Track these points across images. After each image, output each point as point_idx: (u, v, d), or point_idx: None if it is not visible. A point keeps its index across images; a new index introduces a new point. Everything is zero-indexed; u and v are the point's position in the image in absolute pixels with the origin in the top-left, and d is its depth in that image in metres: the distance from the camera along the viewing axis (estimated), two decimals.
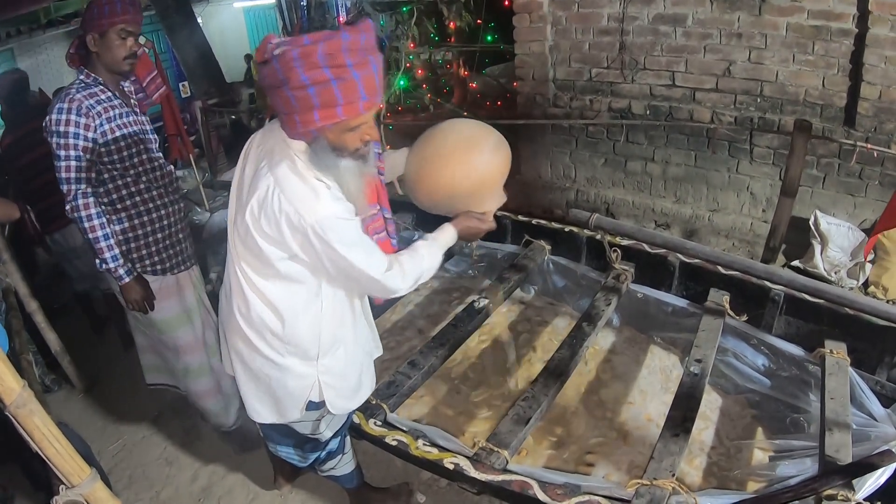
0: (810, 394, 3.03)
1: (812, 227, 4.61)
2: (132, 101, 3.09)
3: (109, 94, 2.91)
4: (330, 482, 2.92)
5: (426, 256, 2.36)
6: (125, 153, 2.94)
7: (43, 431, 1.71)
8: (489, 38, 9.51)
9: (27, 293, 3.97)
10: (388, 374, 3.44)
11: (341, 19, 10.49)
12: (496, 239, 4.24)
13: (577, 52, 5.66)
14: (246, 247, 2.10)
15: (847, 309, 2.94)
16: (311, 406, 2.37)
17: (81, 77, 2.87)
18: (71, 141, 2.76)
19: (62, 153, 2.76)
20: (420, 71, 10.11)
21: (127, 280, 2.97)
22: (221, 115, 8.95)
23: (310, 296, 2.19)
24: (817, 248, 4.53)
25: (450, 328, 3.32)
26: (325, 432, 2.56)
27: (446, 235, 2.49)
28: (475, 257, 4.31)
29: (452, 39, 10.14)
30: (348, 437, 2.75)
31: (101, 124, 2.83)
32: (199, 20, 10.73)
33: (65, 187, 2.80)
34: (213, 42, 10.55)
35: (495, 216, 4.10)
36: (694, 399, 2.68)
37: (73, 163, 2.78)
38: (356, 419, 2.70)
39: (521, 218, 4.23)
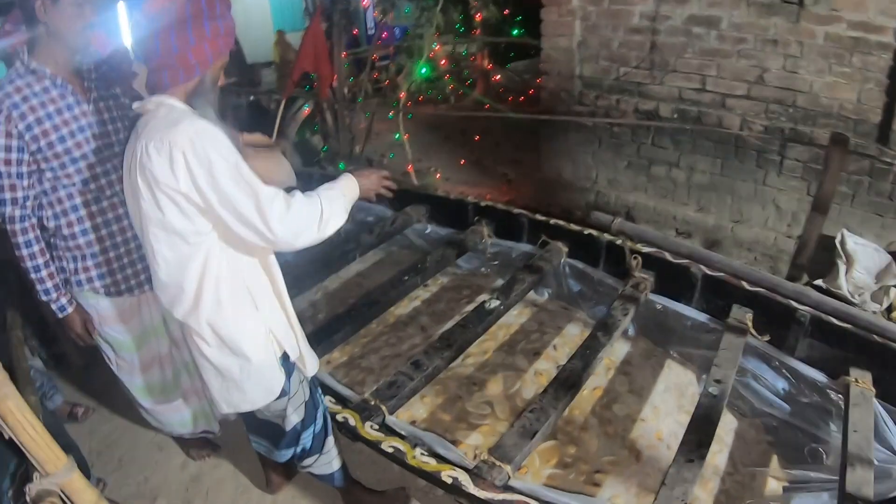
0: (831, 423, 2.87)
1: (838, 246, 4.43)
2: (89, 85, 2.60)
3: (47, 82, 2.45)
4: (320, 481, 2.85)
5: (322, 200, 2.15)
6: (67, 158, 2.51)
7: (17, 416, 1.63)
8: (515, 31, 9.37)
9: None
10: (387, 371, 3.35)
11: (365, 3, 10.41)
12: (511, 237, 4.11)
13: (606, 49, 5.49)
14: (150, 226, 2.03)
15: (875, 336, 2.78)
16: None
17: (17, 64, 2.46)
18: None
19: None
20: (443, 62, 10.01)
21: (62, 315, 2.73)
22: (239, 95, 8.85)
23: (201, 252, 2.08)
24: (842, 268, 4.37)
25: (458, 328, 3.19)
26: (292, 417, 2.47)
27: (346, 182, 2.33)
28: (488, 255, 4.16)
29: (477, 31, 10.06)
30: (330, 438, 2.69)
31: (30, 127, 2.40)
32: None
33: None
34: (236, 24, 10.48)
35: (513, 214, 4.02)
36: (711, 423, 2.52)
37: None
38: (352, 421, 2.56)
39: (538, 217, 4.05)
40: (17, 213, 2.48)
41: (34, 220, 2.55)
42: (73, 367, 4.28)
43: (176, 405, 3.18)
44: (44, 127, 2.43)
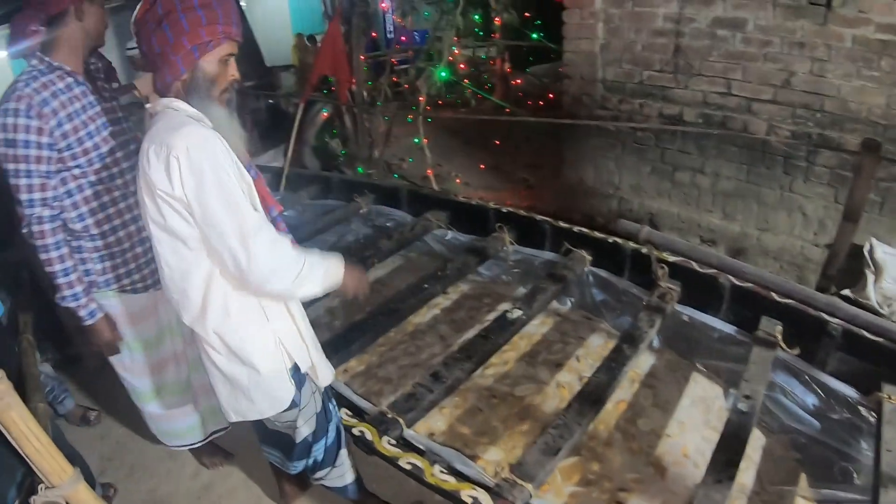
0: (862, 441, 2.76)
1: (867, 256, 4.31)
2: (100, 84, 2.65)
3: (70, 80, 2.44)
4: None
5: (307, 260, 2.09)
6: (94, 154, 2.51)
7: (21, 427, 1.61)
8: (534, 35, 9.31)
9: (43, 270, 3.83)
10: (405, 382, 3.29)
11: (384, 6, 10.40)
12: (534, 245, 4.02)
13: (629, 52, 5.41)
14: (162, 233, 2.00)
15: None
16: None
17: (34, 63, 2.42)
18: (21, 152, 2.32)
19: (11, 167, 2.34)
20: (462, 66, 9.98)
21: (92, 321, 2.62)
22: (258, 98, 8.86)
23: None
24: (870, 277, 4.25)
25: (479, 339, 3.12)
26: (303, 429, 2.43)
27: (334, 264, 2.24)
28: (510, 262, 4.08)
29: (497, 35, 10.03)
30: (343, 451, 2.65)
31: (60, 123, 2.38)
32: (243, 4, 10.75)
33: (19, 210, 2.40)
34: (255, 27, 10.54)
35: (535, 221, 3.95)
36: (740, 441, 2.42)
37: (23, 181, 2.35)
38: (368, 435, 2.49)
39: (561, 224, 3.96)
40: (47, 213, 2.42)
41: (60, 222, 2.50)
42: (89, 370, 4.26)
43: (186, 409, 3.13)
44: (74, 123, 2.42)
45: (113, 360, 2.92)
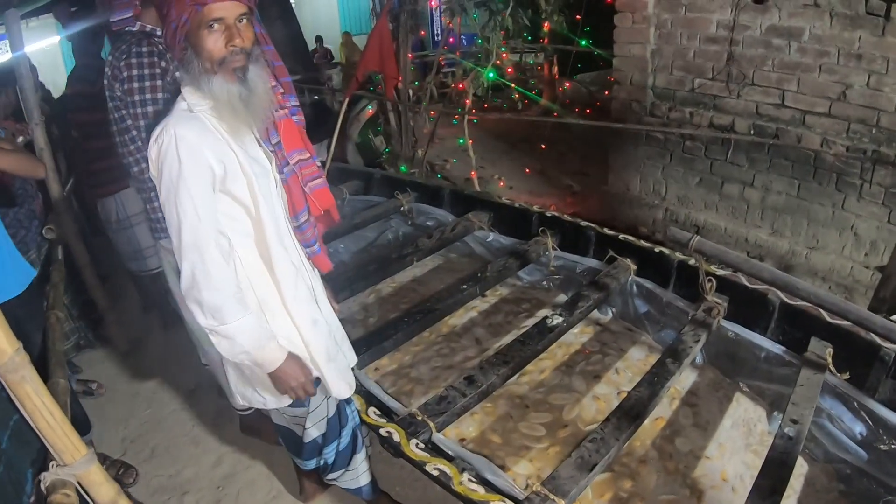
0: None
1: None
2: None
3: (162, 47, 2.52)
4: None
5: (244, 323, 1.94)
6: None
7: (34, 401, 1.58)
8: (583, 42, 9.23)
9: (81, 248, 3.86)
10: (437, 383, 3.20)
11: (433, 3, 10.36)
12: (577, 251, 3.93)
13: (681, 59, 5.31)
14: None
15: None
16: None
17: (136, 28, 2.54)
18: (159, 83, 2.45)
19: (149, 97, 2.44)
20: (510, 70, 9.94)
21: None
22: (303, 92, 8.88)
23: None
24: None
25: (516, 344, 3.03)
26: (311, 430, 2.42)
27: (275, 349, 2.07)
28: (551, 268, 3.98)
29: (545, 41, 9.97)
30: (358, 455, 2.63)
31: (173, 81, 2.35)
32: (293, 1, 10.84)
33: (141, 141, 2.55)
34: (304, 23, 10.61)
35: (579, 227, 3.85)
36: (786, 467, 2.28)
37: (150, 108, 2.46)
38: (396, 437, 2.41)
39: (606, 231, 3.86)
40: None
41: None
42: (119, 351, 4.29)
43: None
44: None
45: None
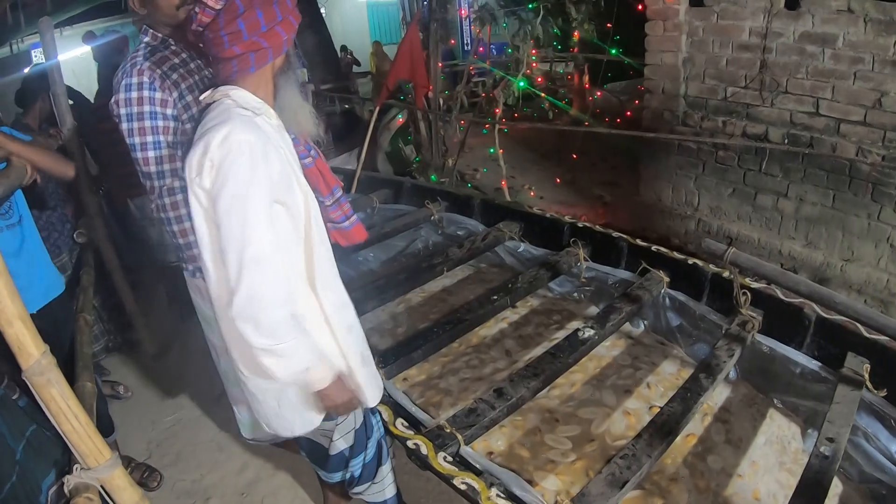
0: None
1: None
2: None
3: (185, 55, 2.39)
4: None
5: (299, 341, 1.87)
6: None
7: (59, 404, 1.58)
8: (613, 51, 9.18)
9: (111, 252, 3.88)
10: (466, 395, 3.16)
11: (463, 12, 10.36)
12: (609, 262, 3.87)
13: (713, 67, 5.24)
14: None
15: None
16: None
17: (146, 39, 2.37)
18: (148, 124, 2.25)
19: (138, 141, 2.27)
20: (540, 79, 9.91)
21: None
22: (333, 101, 8.91)
23: None
24: None
25: (547, 356, 2.98)
26: (339, 442, 2.38)
27: (329, 375, 2.04)
28: (583, 279, 3.93)
29: (576, 50, 9.94)
30: (384, 468, 2.60)
31: (182, 95, 2.31)
32: (323, 10, 10.93)
33: (149, 184, 2.33)
34: (334, 33, 10.69)
35: (611, 238, 3.80)
36: (821, 488, 2.19)
37: (151, 153, 2.28)
38: (424, 449, 2.37)
39: (639, 242, 3.81)
40: (178, 184, 2.34)
41: None
42: (147, 355, 4.31)
43: None
44: (195, 95, 2.34)
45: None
